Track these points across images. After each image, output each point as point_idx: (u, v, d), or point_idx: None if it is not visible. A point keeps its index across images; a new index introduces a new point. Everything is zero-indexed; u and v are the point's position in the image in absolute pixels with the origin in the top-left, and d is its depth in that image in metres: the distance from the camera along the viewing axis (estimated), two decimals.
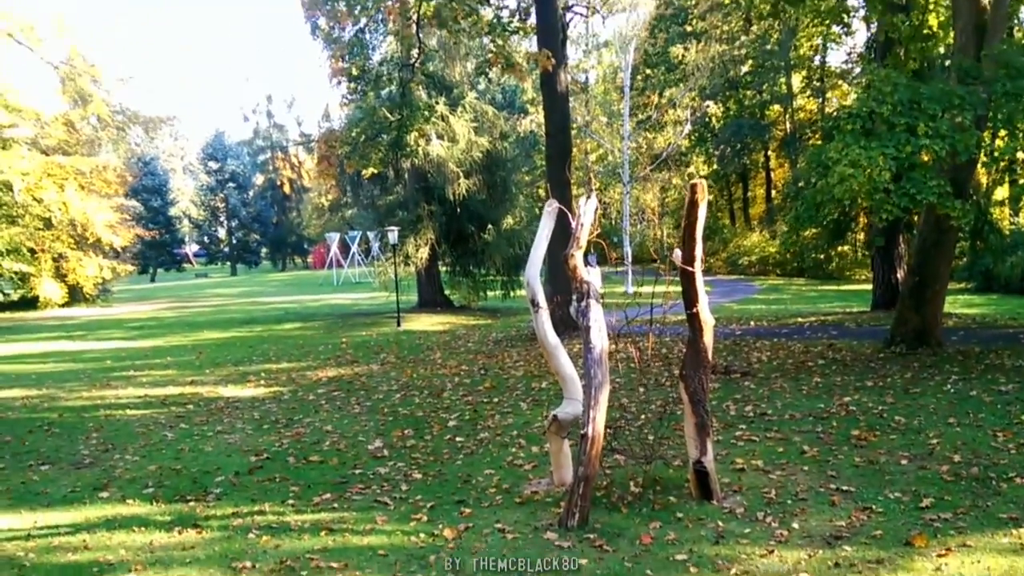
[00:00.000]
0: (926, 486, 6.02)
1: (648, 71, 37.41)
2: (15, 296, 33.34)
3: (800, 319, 17.60)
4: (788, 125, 39.18)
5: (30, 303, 31.71)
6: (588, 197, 6.33)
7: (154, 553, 5.50)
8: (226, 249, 72.47)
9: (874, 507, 5.64)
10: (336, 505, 6.41)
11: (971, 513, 5.44)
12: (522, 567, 4.92)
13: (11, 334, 22.72)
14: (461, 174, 22.48)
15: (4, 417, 10.66)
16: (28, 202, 29.04)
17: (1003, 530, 5.13)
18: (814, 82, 38.26)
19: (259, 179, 73.16)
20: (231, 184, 70.39)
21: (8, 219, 29.13)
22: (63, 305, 31.88)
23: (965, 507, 5.55)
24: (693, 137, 39.09)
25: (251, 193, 71.85)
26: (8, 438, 9.38)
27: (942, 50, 15.76)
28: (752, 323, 17.16)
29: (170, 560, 5.35)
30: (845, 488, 6.08)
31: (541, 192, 36.71)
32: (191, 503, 6.64)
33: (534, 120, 32.56)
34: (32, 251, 29.79)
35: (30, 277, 30.55)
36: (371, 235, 36.98)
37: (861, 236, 27.07)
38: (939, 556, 4.77)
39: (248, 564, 5.18)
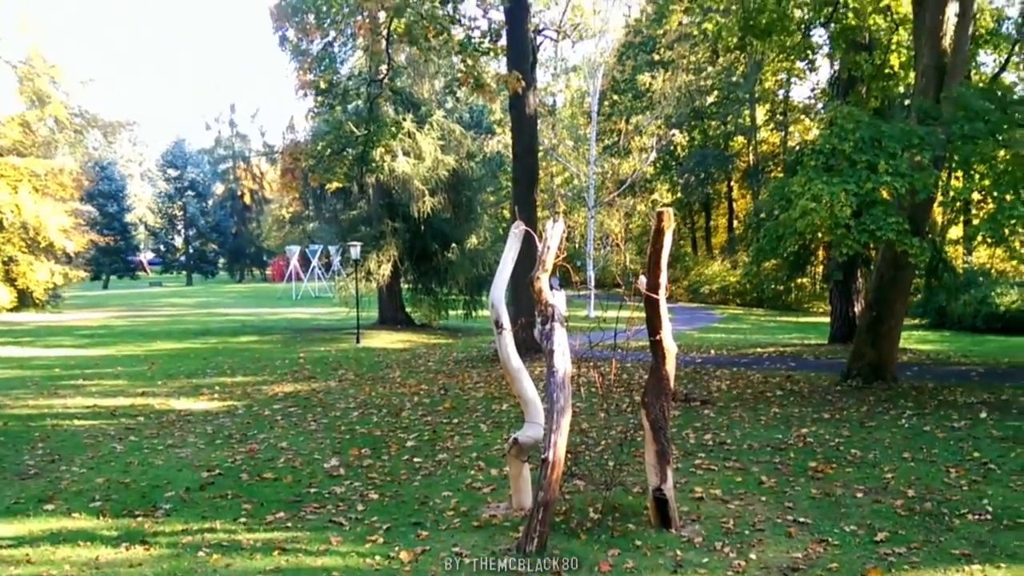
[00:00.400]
0: (881, 520, 6.07)
1: (615, 97, 37.84)
2: None
3: (759, 349, 17.80)
4: (751, 157, 39.87)
5: None
6: (555, 220, 6.33)
7: (100, 569, 5.32)
8: (182, 258, 71.40)
9: (830, 539, 5.67)
10: (290, 524, 6.27)
11: (924, 548, 5.49)
12: None
13: None
14: (426, 192, 22.43)
15: None
16: None
17: (955, 566, 5.18)
18: (777, 115, 39.04)
19: (219, 188, 72.34)
20: (190, 192, 69.52)
21: None
22: (11, 310, 31.03)
23: (919, 542, 5.60)
24: (658, 165, 39.59)
25: (210, 202, 70.99)
26: None
27: (903, 89, 16.21)
28: (712, 351, 17.31)
29: None
30: (802, 520, 6.11)
31: (506, 213, 36.81)
32: (139, 518, 6.45)
33: (501, 140, 32.72)
34: None
35: None
36: (332, 249, 36.67)
37: (820, 269, 27.55)
38: None
39: None
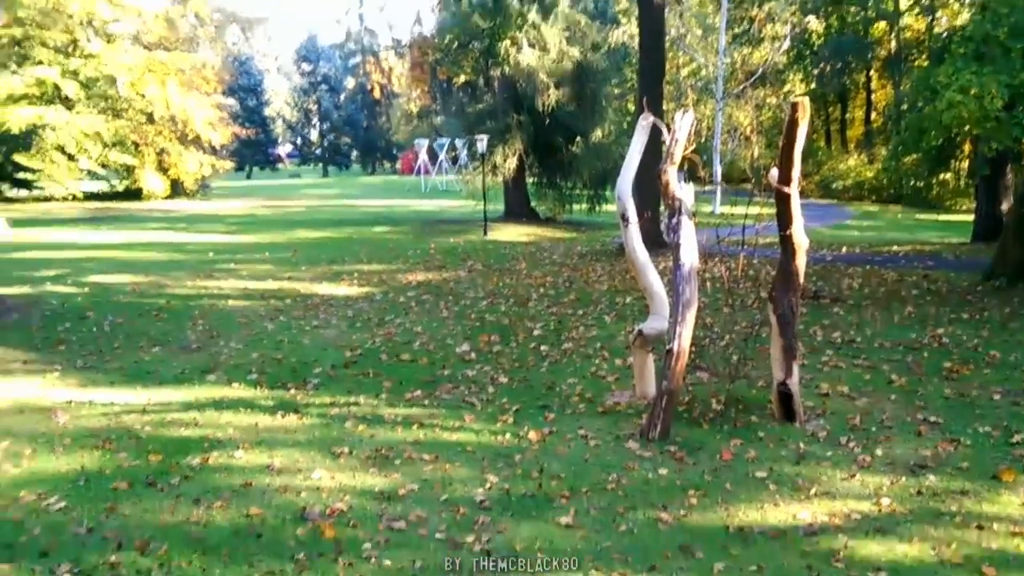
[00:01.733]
0: (1018, 422, 5.91)
1: None
2: (120, 187, 34.86)
3: (895, 247, 17.03)
4: (893, 44, 36.90)
5: (134, 194, 33.10)
6: (684, 112, 6.21)
7: (260, 434, 5.90)
8: (318, 151, 73.57)
9: (962, 439, 5.59)
10: (426, 402, 6.71)
11: None
12: (604, 472, 5.10)
13: (118, 223, 23.87)
14: (551, 84, 22.13)
15: (116, 300, 11.34)
16: (131, 96, 29.98)
17: None
18: None
19: (350, 83, 73.41)
20: (323, 87, 70.91)
21: (113, 112, 30.18)
22: (165, 198, 33.17)
23: None
24: (791, 54, 37.23)
25: (342, 97, 72.27)
26: (120, 320, 10.02)
27: None
28: (844, 249, 16.70)
29: (274, 441, 5.73)
30: (933, 419, 6.02)
31: (631, 106, 35.85)
32: (291, 391, 7.05)
33: (626, 31, 31.55)
34: (136, 144, 30.91)
35: (134, 169, 31.82)
36: (459, 143, 36.98)
37: (965, 164, 25.68)
38: None
39: (346, 450, 5.53)
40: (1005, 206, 16.60)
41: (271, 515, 4.53)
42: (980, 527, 4.31)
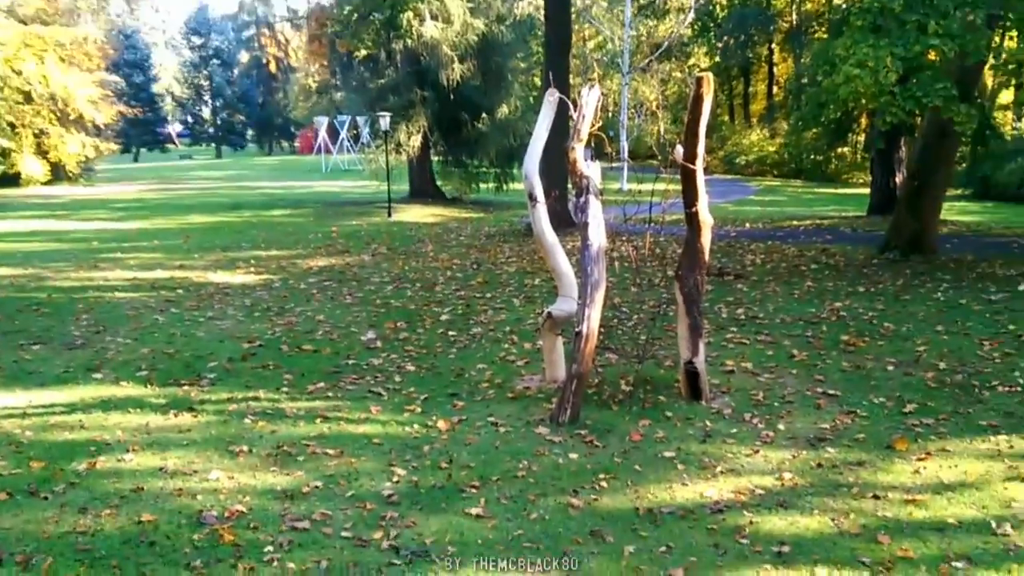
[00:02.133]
0: (910, 392, 6.13)
1: None
2: None
3: (795, 222, 17.59)
4: (794, 17, 38.04)
5: (12, 180, 31.10)
6: (590, 87, 6.13)
7: (151, 435, 5.58)
8: (211, 130, 70.99)
9: (858, 411, 5.77)
10: (330, 394, 6.50)
11: (952, 420, 5.57)
12: (515, 460, 5.02)
13: None
14: (455, 58, 21.82)
15: None
16: (7, 74, 28.13)
17: (982, 436, 5.26)
18: None
19: (244, 57, 71.02)
20: (215, 61, 68.29)
21: None
22: (46, 183, 31.36)
23: (947, 413, 5.67)
24: (696, 27, 37.92)
25: (236, 72, 69.83)
26: None
27: None
28: (747, 225, 17.14)
29: (167, 442, 5.43)
30: (831, 392, 6.20)
31: (537, 81, 35.83)
32: (185, 387, 6.71)
33: (531, 2, 31.48)
34: (12, 126, 29.03)
35: (11, 153, 29.87)
36: (361, 120, 36.21)
37: (861, 138, 26.72)
38: (919, 460, 4.90)
39: (245, 448, 5.27)
40: (899, 179, 17.31)
41: (165, 521, 4.28)
42: (876, 497, 4.44)
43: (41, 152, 30.44)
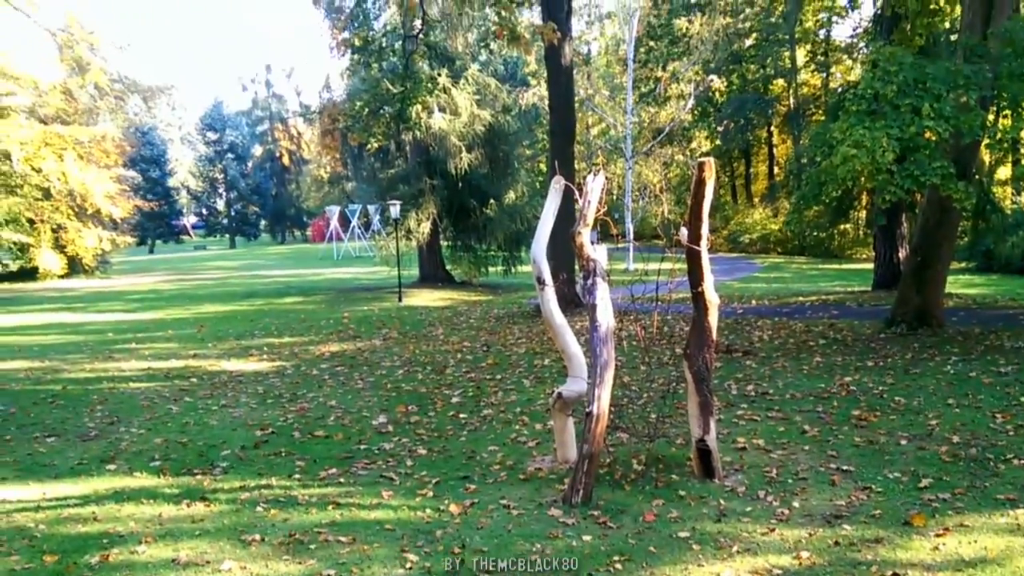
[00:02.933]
0: (925, 466, 6.09)
1: (652, 43, 37.14)
2: (14, 267, 33.26)
3: (801, 298, 17.66)
4: (792, 100, 39.00)
5: (29, 274, 31.64)
6: (595, 174, 6.33)
7: (163, 525, 5.57)
8: (225, 221, 72.31)
9: (874, 487, 5.72)
10: (342, 480, 6.49)
11: (969, 494, 5.51)
12: (528, 543, 4.99)
13: (11, 305, 22.73)
14: (463, 148, 22.39)
15: (8, 388, 10.70)
16: (27, 172, 28.91)
17: (1000, 511, 5.20)
18: (818, 56, 38.05)
19: (258, 150, 72.83)
20: (230, 155, 70.07)
21: (7, 189, 29.00)
22: (62, 276, 31.83)
23: (963, 488, 5.61)
24: (696, 112, 38.90)
25: (250, 164, 71.55)
26: (13, 410, 9.43)
27: (948, 25, 15.69)
28: (754, 301, 17.22)
29: (180, 532, 5.42)
30: (845, 468, 6.15)
31: (543, 167, 36.60)
32: (198, 476, 6.71)
33: (536, 92, 32.38)
34: (31, 221, 29.70)
35: (29, 248, 30.47)
36: (372, 208, 36.92)
37: (863, 214, 27.04)
38: (937, 536, 4.84)
39: (257, 537, 5.25)
40: (902, 254, 17.44)
41: None
42: (896, 575, 4.36)
43: (58, 246, 31.00)
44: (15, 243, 30.06)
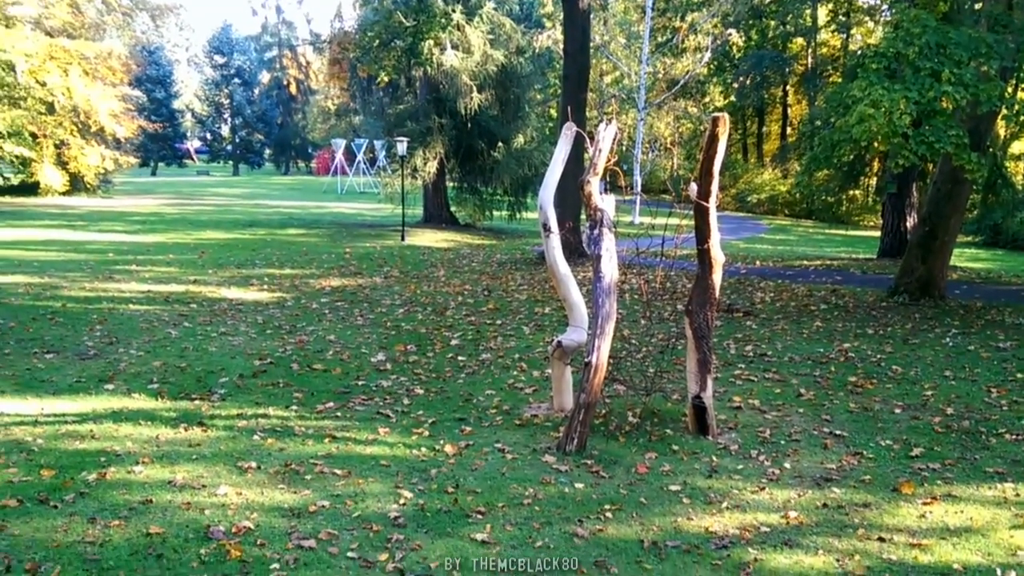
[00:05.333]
0: (917, 436, 6.14)
1: None
2: (15, 181, 33.06)
3: (806, 262, 17.64)
4: (810, 60, 38.41)
5: (31, 189, 31.43)
6: (607, 122, 6.24)
7: (160, 447, 5.63)
8: (229, 148, 71.59)
9: (865, 453, 5.77)
10: (339, 414, 6.54)
11: (959, 465, 5.56)
12: (521, 487, 5.05)
13: (12, 219, 22.65)
14: (474, 87, 22.08)
15: (7, 303, 10.71)
16: (31, 85, 28.55)
17: (988, 483, 5.26)
18: (840, 16, 37.33)
19: (265, 77, 71.81)
20: (236, 80, 69.02)
21: (10, 101, 28.66)
22: (64, 193, 31.65)
23: (953, 459, 5.67)
24: (712, 66, 38.30)
25: (256, 91, 70.55)
26: (12, 324, 9.46)
27: None
28: (758, 263, 17.20)
29: (176, 455, 5.48)
30: (838, 432, 6.20)
31: (553, 112, 36.15)
32: (196, 401, 6.76)
33: (551, 36, 31.81)
34: (34, 136, 29.39)
35: (31, 162, 30.21)
36: (378, 144, 36.57)
37: (873, 181, 26.85)
38: (924, 504, 4.91)
39: (254, 464, 5.32)
40: (910, 223, 17.37)
41: (173, 534, 4.31)
42: (881, 539, 4.44)
43: (61, 163, 30.75)
44: (17, 156, 29.78)
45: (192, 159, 76.74)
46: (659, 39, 34.67)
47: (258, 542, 4.24)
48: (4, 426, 5.98)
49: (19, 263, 14.23)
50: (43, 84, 28.40)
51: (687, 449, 5.79)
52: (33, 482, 4.95)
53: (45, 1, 28.84)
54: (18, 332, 9.08)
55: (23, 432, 5.85)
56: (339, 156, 44.37)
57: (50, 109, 29.49)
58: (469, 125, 22.68)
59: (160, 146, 60.84)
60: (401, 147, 19.82)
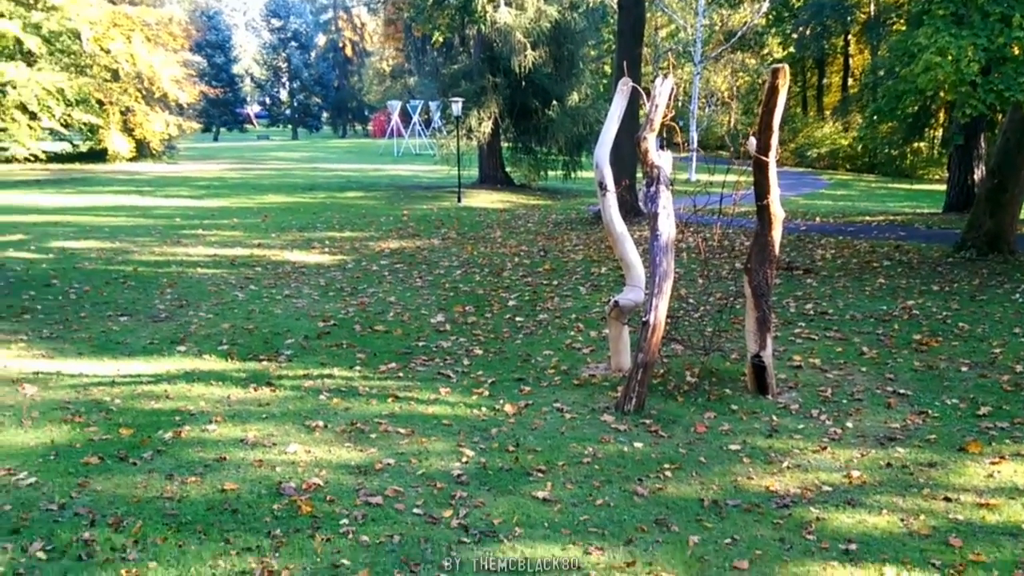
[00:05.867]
0: (985, 394, 6.02)
1: None
2: (84, 148, 34.00)
3: (868, 217, 17.20)
4: (872, 7, 36.93)
5: (99, 155, 32.30)
6: (664, 77, 6.15)
7: (232, 407, 5.84)
8: (287, 112, 72.37)
9: (930, 412, 5.69)
10: (401, 374, 6.69)
11: None
12: (580, 446, 5.12)
13: (82, 185, 23.36)
14: (528, 45, 21.84)
15: (81, 268, 11.12)
16: (96, 52, 29.20)
17: None
18: None
19: (321, 40, 72.13)
20: (293, 43, 69.48)
21: (77, 68, 29.36)
22: (130, 160, 32.42)
23: (1022, 417, 5.55)
24: (771, 16, 37.10)
25: (313, 54, 70.96)
26: (87, 288, 9.83)
27: None
28: (818, 219, 16.84)
29: (248, 414, 5.68)
30: (902, 391, 6.12)
31: (607, 69, 35.60)
32: (264, 362, 6.98)
33: None
34: (100, 103, 30.11)
35: (98, 129, 31.00)
36: (433, 105, 36.53)
37: (939, 133, 25.91)
38: (992, 463, 4.83)
39: (321, 423, 5.49)
40: (978, 176, 16.77)
41: (246, 490, 4.49)
42: (947, 499, 4.39)
43: (127, 129, 31.48)
44: (85, 124, 30.58)
45: (252, 123, 77.75)
46: None
47: (327, 498, 4.39)
48: (83, 386, 6.27)
49: (90, 228, 14.70)
50: (107, 51, 29.00)
51: (746, 409, 5.78)
52: (112, 440, 5.19)
53: None
54: (92, 296, 9.44)
55: (101, 392, 6.12)
56: (395, 118, 44.47)
57: (115, 76, 30.14)
58: (523, 84, 22.48)
59: (221, 111, 61.81)
60: (456, 107, 19.79)
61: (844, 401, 5.95)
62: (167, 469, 4.75)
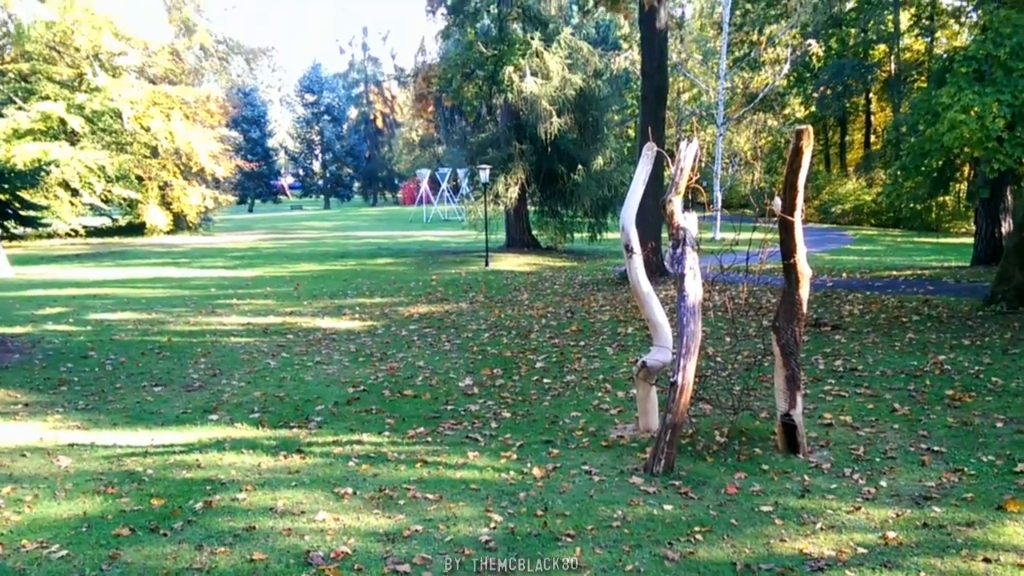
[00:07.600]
0: (1022, 451, 5.88)
1: (748, 6, 35.96)
2: (123, 222, 34.99)
3: (895, 272, 17.07)
4: (893, 66, 37.24)
5: (137, 229, 33.23)
6: (688, 141, 6.25)
7: (262, 475, 5.88)
8: (320, 182, 74.05)
9: (966, 469, 5.57)
10: (430, 439, 6.70)
11: None
12: (609, 509, 5.08)
13: (120, 259, 23.96)
14: (553, 112, 22.32)
15: (118, 339, 11.35)
16: (136, 130, 30.26)
17: None
18: (923, 20, 36.13)
19: (353, 113, 74.10)
20: (326, 117, 71.53)
21: (118, 146, 30.41)
22: (168, 232, 33.30)
23: None
24: (792, 77, 37.57)
25: (345, 127, 72.91)
26: (123, 359, 10.03)
27: None
28: (844, 275, 16.74)
29: (277, 482, 5.72)
30: (936, 448, 6.01)
31: (631, 132, 36.10)
32: (294, 429, 7.04)
33: (628, 57, 31.89)
34: (139, 178, 31.11)
35: (137, 204, 31.99)
36: (461, 172, 37.20)
37: (963, 187, 25.79)
38: None
39: (350, 490, 5.50)
40: (1005, 229, 16.65)
41: (275, 559, 4.50)
42: (987, 559, 4.28)
43: (165, 203, 32.42)
44: (125, 199, 31.57)
45: (286, 195, 79.56)
46: (736, 54, 34.28)
47: (355, 567, 4.38)
48: (117, 457, 6.35)
49: (127, 300, 15.04)
50: (147, 129, 30.06)
51: (777, 468, 5.71)
52: (144, 511, 5.23)
53: (148, 50, 30.57)
54: (128, 367, 9.62)
55: (134, 463, 6.20)
56: (424, 186, 45.28)
57: (154, 152, 31.18)
58: (549, 149, 22.89)
59: (256, 183, 63.44)
60: (484, 174, 20.15)
61: (877, 459, 5.85)
62: (197, 539, 4.78)
